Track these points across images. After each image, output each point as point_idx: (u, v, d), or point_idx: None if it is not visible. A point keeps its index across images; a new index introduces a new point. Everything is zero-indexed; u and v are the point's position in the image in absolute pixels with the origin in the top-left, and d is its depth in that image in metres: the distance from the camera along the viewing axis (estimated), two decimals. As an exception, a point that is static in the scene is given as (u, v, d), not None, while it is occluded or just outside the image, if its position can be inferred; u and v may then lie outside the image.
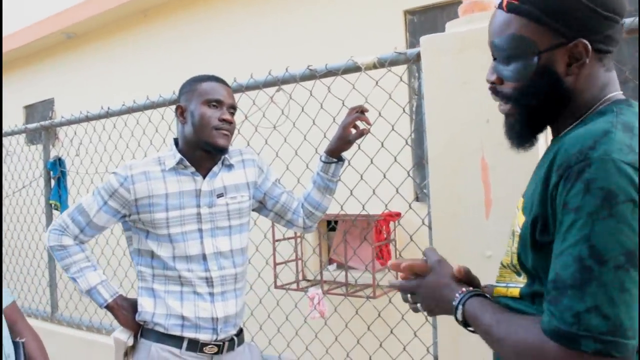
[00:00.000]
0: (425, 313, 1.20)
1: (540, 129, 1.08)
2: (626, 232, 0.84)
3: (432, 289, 1.13)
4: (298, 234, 4.60)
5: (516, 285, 1.07)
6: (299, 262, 4.70)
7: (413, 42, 4.32)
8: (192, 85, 1.98)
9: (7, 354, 1.66)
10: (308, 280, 4.77)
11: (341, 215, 2.83)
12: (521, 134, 1.08)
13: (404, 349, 2.25)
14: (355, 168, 2.33)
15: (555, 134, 1.07)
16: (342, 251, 4.40)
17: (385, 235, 4.11)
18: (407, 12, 4.47)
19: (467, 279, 1.13)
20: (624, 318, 0.84)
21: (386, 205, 2.26)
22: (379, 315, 2.37)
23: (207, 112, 1.90)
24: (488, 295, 1.10)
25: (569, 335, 0.86)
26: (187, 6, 6.12)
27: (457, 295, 1.08)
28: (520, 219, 1.03)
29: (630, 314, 0.84)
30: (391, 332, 2.28)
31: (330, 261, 4.99)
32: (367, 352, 2.30)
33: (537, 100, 1.03)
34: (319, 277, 4.47)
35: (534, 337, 0.91)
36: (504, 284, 1.11)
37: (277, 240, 4.40)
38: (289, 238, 4.55)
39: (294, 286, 4.47)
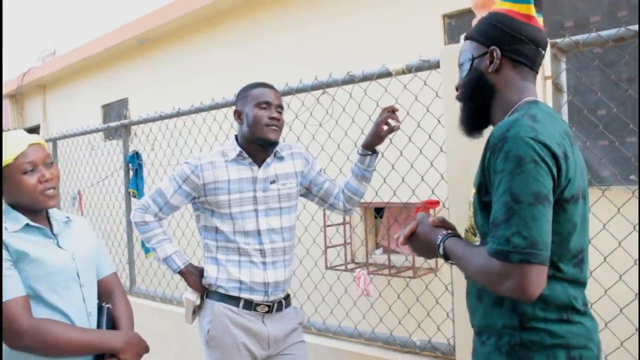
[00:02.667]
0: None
1: (480, 121, 1.54)
2: (532, 181, 1.26)
3: (421, 237, 1.56)
4: (347, 221, 4.92)
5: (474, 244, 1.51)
6: (348, 246, 4.99)
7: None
8: (245, 92, 2.33)
9: (89, 311, 1.83)
10: (356, 263, 5.08)
11: (375, 202, 3.14)
12: (466, 122, 1.56)
13: (428, 314, 2.59)
14: (389, 160, 2.65)
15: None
16: (387, 237, 4.72)
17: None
18: (446, 16, 4.61)
19: (444, 225, 1.56)
20: (536, 237, 1.25)
21: (413, 192, 2.58)
22: (407, 285, 2.71)
23: (258, 112, 2.25)
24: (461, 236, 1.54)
25: (502, 252, 1.26)
26: (246, 15, 6.41)
27: (439, 236, 1.51)
28: (472, 191, 1.47)
29: (541, 234, 1.25)
30: (417, 300, 2.62)
31: (377, 246, 5.29)
32: (397, 317, 2.64)
33: (470, 88, 1.51)
34: (365, 260, 4.78)
35: (483, 260, 1.32)
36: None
37: (328, 226, 4.69)
38: (338, 224, 4.85)
39: (343, 268, 4.77)
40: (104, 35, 8.09)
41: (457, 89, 1.58)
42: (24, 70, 10.46)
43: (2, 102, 11.23)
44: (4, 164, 1.75)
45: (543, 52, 1.50)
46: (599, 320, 1.64)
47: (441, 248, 1.49)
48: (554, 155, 1.29)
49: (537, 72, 1.51)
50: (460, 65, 1.56)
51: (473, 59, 1.51)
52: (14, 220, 1.77)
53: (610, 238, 2.11)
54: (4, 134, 1.81)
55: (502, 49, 1.46)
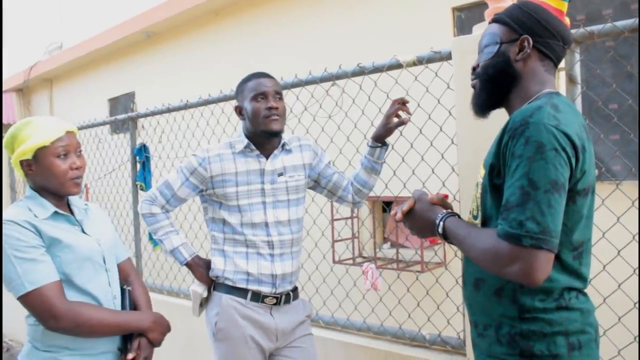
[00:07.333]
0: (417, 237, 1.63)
1: (495, 101, 1.53)
2: (551, 169, 1.26)
3: (419, 214, 1.56)
4: (355, 214, 4.90)
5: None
6: (356, 240, 4.98)
7: (462, 37, 4.45)
8: (241, 86, 2.31)
9: (114, 294, 1.92)
10: (364, 257, 5.07)
11: (383, 196, 3.12)
12: (480, 102, 1.54)
13: (438, 308, 2.56)
14: (399, 152, 2.62)
15: (510, 114, 1.51)
16: (395, 231, 4.69)
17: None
18: (455, 9, 4.59)
19: (443, 204, 1.56)
20: (550, 224, 1.25)
21: (424, 184, 2.55)
22: (417, 279, 2.68)
23: (256, 105, 2.22)
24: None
25: (515, 235, 1.26)
26: (253, 7, 6.41)
27: (439, 215, 1.51)
28: (481, 172, 1.47)
29: (554, 222, 1.26)
30: (427, 293, 2.59)
31: (385, 240, 5.27)
32: (407, 311, 2.62)
33: (493, 71, 1.50)
34: (373, 254, 4.77)
35: (492, 241, 1.32)
36: None
37: (336, 220, 4.66)
38: (346, 218, 4.83)
39: (351, 262, 4.75)
40: (111, 28, 8.08)
41: (473, 69, 1.57)
42: (30, 64, 10.45)
43: (3, 96, 11.22)
44: (39, 145, 1.79)
45: (566, 50, 1.52)
46: (598, 296, 1.65)
47: (440, 227, 1.49)
48: (574, 146, 1.30)
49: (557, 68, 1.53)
50: (485, 46, 1.54)
51: (501, 43, 1.49)
52: (42, 207, 1.82)
53: (625, 232, 2.08)
54: (41, 118, 1.87)
55: (533, 40, 1.46)
